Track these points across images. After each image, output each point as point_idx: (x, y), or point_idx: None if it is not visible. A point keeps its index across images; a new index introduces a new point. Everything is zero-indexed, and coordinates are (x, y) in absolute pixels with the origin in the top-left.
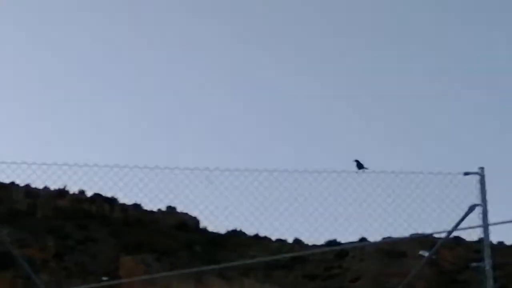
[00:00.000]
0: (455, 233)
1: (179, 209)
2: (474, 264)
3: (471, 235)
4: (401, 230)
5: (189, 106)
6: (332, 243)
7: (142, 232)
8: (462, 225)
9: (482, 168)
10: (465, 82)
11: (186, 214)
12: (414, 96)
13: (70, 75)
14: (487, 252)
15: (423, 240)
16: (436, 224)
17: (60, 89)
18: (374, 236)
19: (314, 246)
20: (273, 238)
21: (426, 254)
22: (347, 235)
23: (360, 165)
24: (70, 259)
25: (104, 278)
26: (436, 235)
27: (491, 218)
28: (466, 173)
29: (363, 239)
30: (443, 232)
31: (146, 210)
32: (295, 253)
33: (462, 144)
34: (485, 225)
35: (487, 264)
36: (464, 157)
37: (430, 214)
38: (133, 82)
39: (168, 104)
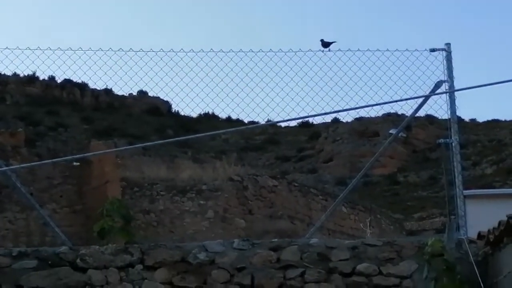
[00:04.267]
0: (427, 112)
1: (151, 93)
2: (441, 140)
3: (443, 113)
4: (374, 110)
5: None
6: (304, 124)
7: (114, 117)
8: (430, 102)
9: (448, 44)
10: None
11: (158, 98)
12: None
13: None
14: (454, 128)
15: (396, 120)
16: (407, 104)
17: None
18: (347, 118)
19: (287, 128)
20: (246, 120)
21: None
22: (320, 117)
23: (326, 44)
24: (41, 145)
25: (76, 164)
26: (408, 114)
27: (458, 95)
28: (432, 50)
29: (335, 120)
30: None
31: (117, 95)
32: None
33: (428, 22)
34: (452, 100)
35: (454, 140)
36: (431, 35)
37: (400, 93)
38: None
39: None
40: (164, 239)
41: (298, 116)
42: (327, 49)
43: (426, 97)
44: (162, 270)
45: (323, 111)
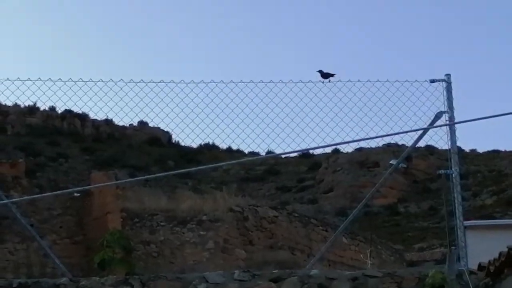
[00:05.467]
0: (428, 143)
1: (151, 124)
2: (442, 171)
3: (443, 144)
4: (374, 141)
5: (160, 22)
6: (305, 155)
7: (114, 147)
8: (431, 133)
9: (448, 75)
10: None
11: (158, 128)
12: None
13: None
14: (454, 159)
15: (396, 150)
16: (407, 135)
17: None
18: (347, 148)
19: (288, 158)
20: (246, 151)
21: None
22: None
23: (325, 75)
24: (42, 176)
25: (76, 195)
26: (409, 144)
27: (459, 125)
28: (432, 81)
29: (336, 151)
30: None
31: (117, 126)
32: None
33: (428, 53)
34: (452, 132)
35: (454, 171)
36: (430, 66)
37: (400, 123)
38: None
39: (141, 21)
40: (164, 270)
41: (299, 149)
42: (327, 80)
43: (426, 129)
44: None
45: (323, 142)
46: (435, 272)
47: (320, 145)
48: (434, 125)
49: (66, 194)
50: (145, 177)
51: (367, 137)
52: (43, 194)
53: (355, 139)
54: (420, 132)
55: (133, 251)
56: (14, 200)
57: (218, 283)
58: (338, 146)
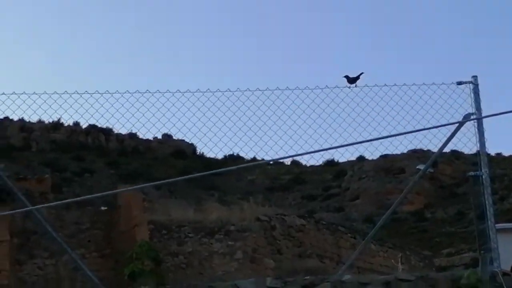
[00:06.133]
0: (453, 148)
1: (175, 136)
2: (471, 173)
3: (470, 148)
4: (400, 147)
5: (185, 32)
6: (330, 163)
7: (139, 161)
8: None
9: (475, 77)
10: None
11: (183, 141)
12: (406, 8)
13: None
14: (483, 161)
15: (421, 156)
16: (435, 138)
17: (54, 17)
18: (372, 155)
19: (313, 167)
20: (271, 161)
21: None
22: (345, 155)
23: (351, 80)
24: (68, 191)
25: (103, 208)
26: (434, 150)
27: (487, 128)
28: (459, 83)
29: (361, 158)
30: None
31: (142, 139)
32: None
33: (455, 55)
34: (481, 133)
35: (484, 172)
36: (457, 68)
37: (427, 128)
38: (128, 11)
39: (166, 31)
40: (193, 281)
41: (321, 148)
42: (354, 84)
43: (458, 127)
44: None
45: (349, 149)
46: (470, 273)
47: (345, 152)
48: (463, 123)
49: (93, 207)
50: (168, 180)
51: (392, 136)
52: (74, 199)
53: (381, 144)
54: (448, 133)
55: (162, 262)
56: (39, 206)
57: None
58: (363, 153)
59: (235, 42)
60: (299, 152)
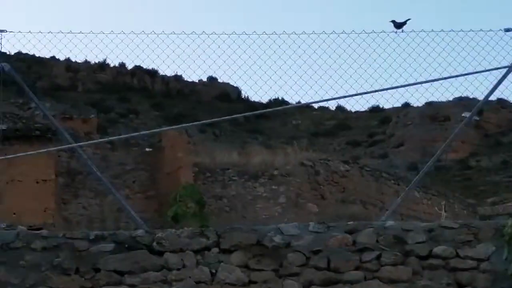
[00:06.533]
0: (500, 95)
1: (221, 79)
2: None
3: None
4: (446, 93)
5: None
6: (375, 109)
7: (184, 103)
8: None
9: None
10: None
11: (228, 84)
12: None
13: None
14: None
15: (468, 104)
16: (481, 86)
17: None
18: (418, 102)
19: (358, 113)
20: (316, 106)
21: None
22: (390, 100)
23: (398, 25)
24: (113, 132)
25: (148, 149)
26: (480, 98)
27: None
28: (507, 30)
29: (406, 105)
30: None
31: (187, 82)
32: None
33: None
34: None
35: None
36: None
37: (471, 72)
38: None
39: None
40: (236, 224)
41: (366, 91)
42: (400, 30)
43: (505, 74)
44: (238, 253)
45: (393, 96)
46: None
47: (390, 98)
48: (511, 70)
49: (138, 148)
50: (211, 120)
51: (436, 80)
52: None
53: (427, 91)
54: (495, 82)
55: (206, 205)
56: (84, 143)
57: (294, 235)
58: (408, 100)
59: None
60: (345, 97)
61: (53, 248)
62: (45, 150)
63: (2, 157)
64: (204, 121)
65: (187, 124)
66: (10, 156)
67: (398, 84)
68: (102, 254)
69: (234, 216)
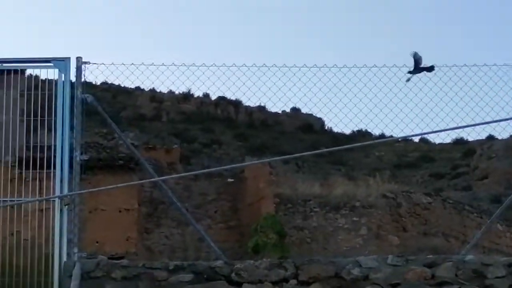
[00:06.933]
0: None
1: (304, 110)
2: None
3: None
4: None
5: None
6: (459, 141)
7: (267, 134)
8: None
9: None
10: None
11: (311, 115)
12: None
13: None
14: None
15: None
16: None
17: None
18: (502, 134)
19: (441, 145)
20: (399, 137)
21: None
22: (474, 134)
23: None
24: (196, 162)
25: (230, 180)
26: None
27: None
28: None
29: (490, 137)
30: None
31: (270, 112)
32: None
33: None
34: None
35: None
36: None
37: None
38: None
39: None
40: (315, 255)
41: (447, 128)
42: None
43: None
44: (316, 285)
45: (476, 127)
46: None
47: (471, 132)
48: None
49: (220, 179)
50: (295, 156)
51: None
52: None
53: (509, 125)
54: None
55: (287, 236)
56: (166, 177)
57: (372, 268)
58: (491, 133)
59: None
60: (426, 130)
61: (133, 277)
62: (126, 184)
63: (88, 190)
64: (287, 156)
65: (271, 159)
66: (97, 189)
67: (482, 118)
68: (181, 284)
69: (315, 247)
